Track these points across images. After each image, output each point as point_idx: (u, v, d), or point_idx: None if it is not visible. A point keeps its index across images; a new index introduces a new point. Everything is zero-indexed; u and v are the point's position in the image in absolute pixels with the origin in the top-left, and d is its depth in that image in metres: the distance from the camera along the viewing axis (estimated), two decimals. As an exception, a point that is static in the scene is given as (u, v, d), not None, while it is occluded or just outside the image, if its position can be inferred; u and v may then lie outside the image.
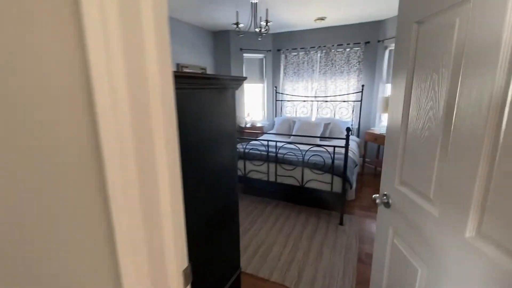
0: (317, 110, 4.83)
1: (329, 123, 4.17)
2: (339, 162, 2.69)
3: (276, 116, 5.21)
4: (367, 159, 4.51)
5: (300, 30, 4.76)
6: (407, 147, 0.99)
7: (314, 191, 2.75)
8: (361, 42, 4.32)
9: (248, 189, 3.59)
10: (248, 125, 4.99)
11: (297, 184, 2.83)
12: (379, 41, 4.26)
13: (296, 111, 5.02)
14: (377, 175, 4.22)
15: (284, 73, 5.03)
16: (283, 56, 4.97)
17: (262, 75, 5.27)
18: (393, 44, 4.28)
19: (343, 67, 4.51)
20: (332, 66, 4.58)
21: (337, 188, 2.65)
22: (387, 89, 4.35)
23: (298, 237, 2.51)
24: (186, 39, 4.24)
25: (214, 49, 4.95)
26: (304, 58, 4.78)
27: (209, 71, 4.85)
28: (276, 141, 2.91)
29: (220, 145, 1.37)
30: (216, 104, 1.30)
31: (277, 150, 2.89)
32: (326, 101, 4.72)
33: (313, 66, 4.75)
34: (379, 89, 4.40)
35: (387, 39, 4.10)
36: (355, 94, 4.51)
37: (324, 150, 2.74)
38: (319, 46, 4.62)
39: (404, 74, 0.98)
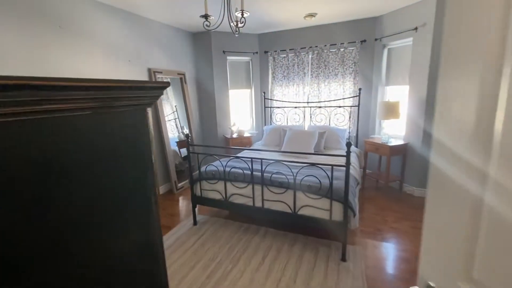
0: (310, 117, 4.36)
1: (324, 132, 3.69)
2: (339, 183, 2.19)
3: (265, 125, 4.72)
4: (368, 170, 4.04)
5: (289, 29, 4.32)
6: (491, 201, 0.49)
7: (309, 219, 2.25)
8: (356, 41, 3.89)
9: (232, 214, 3.06)
10: (234, 135, 4.49)
11: (289, 210, 2.32)
12: (376, 39, 3.83)
13: (287, 119, 4.54)
14: (379, 188, 3.74)
15: (273, 77, 4.56)
16: (271, 58, 4.50)
17: (249, 80, 4.79)
18: (393, 42, 3.83)
19: (338, 69, 4.06)
20: (325, 68, 4.13)
21: (337, 216, 2.15)
22: (387, 93, 3.91)
23: (291, 280, 1.99)
24: (161, 41, 3.75)
25: (194, 52, 4.47)
26: (294, 60, 4.33)
27: (189, 76, 4.35)
28: (262, 159, 2.40)
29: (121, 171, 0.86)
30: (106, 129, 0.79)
31: (263, 169, 2.39)
32: (320, 107, 4.25)
33: (304, 68, 4.30)
34: (378, 92, 3.96)
35: (385, 37, 3.67)
36: (351, 99, 4.05)
37: (320, 168, 2.25)
38: (310, 47, 4.17)
39: (481, 53, 0.50)
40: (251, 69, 4.72)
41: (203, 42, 4.37)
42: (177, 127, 4.34)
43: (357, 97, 3.93)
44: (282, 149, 3.53)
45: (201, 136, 4.74)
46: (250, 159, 2.44)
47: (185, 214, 3.21)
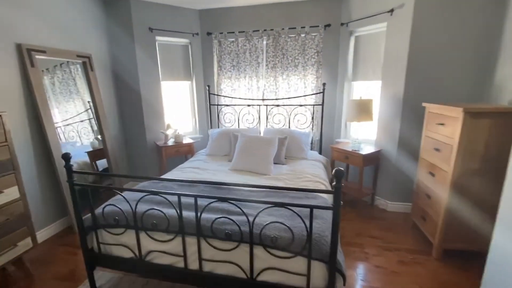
0: (267, 118, 3.55)
1: (285, 138, 2.91)
2: (320, 229, 1.40)
3: (211, 128, 3.75)
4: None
5: (239, 6, 3.40)
6: None
7: (274, 287, 1.41)
8: (319, 25, 3.18)
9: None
10: (170, 142, 3.41)
11: (243, 275, 1.45)
12: (342, 24, 3.18)
13: (238, 120, 3.65)
14: (349, 202, 3.15)
15: (219, 66, 3.60)
16: (216, 42, 3.52)
17: (189, 69, 3.74)
18: (362, 29, 3.00)
19: (298, 58, 3.32)
20: (284, 57, 3.35)
21: (318, 283, 1.36)
22: (354, 89, 3.32)
23: None
24: (50, 8, 2.44)
25: (106, 28, 3.21)
26: (245, 45, 3.44)
27: (99, 60, 3.09)
28: (196, 196, 1.45)
29: None
30: None
31: (199, 215, 1.45)
32: (278, 105, 3.47)
33: (258, 57, 3.45)
34: (343, 89, 3.35)
35: (353, 21, 3.04)
36: (314, 96, 3.37)
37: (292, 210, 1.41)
38: (265, 30, 3.33)
39: None
40: (191, 55, 3.67)
41: (120, 15, 3.15)
42: (93, 131, 3.08)
43: (321, 93, 3.25)
44: (232, 165, 2.63)
45: (123, 144, 3.53)
46: (177, 196, 1.47)
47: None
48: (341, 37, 3.24)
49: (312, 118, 3.39)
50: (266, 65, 3.43)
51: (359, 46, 3.14)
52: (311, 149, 3.43)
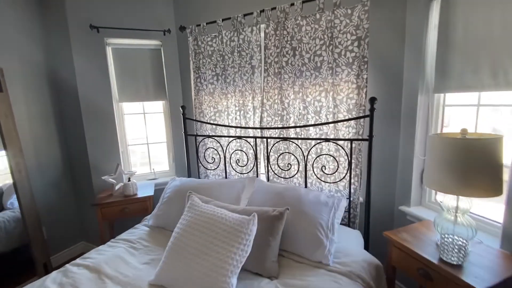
0: (267, 158, 2.06)
1: (283, 212, 1.38)
2: None
3: (189, 170, 2.44)
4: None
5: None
6: None
7: None
8: (362, -12, 1.62)
9: None
10: (115, 194, 2.23)
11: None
12: (413, -23, 1.55)
13: (225, 159, 2.26)
14: None
15: (198, 76, 2.33)
16: (191, 39, 2.28)
17: (162, 84, 2.57)
18: None
19: (321, 54, 1.79)
20: (295, 54, 1.87)
21: None
22: (444, 110, 1.60)
23: None
24: None
25: (38, 28, 2.29)
26: (233, 40, 2.09)
27: (19, 69, 2.15)
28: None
29: None
30: None
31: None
32: (285, 138, 1.96)
33: (252, 57, 2.05)
34: (417, 107, 1.65)
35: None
36: (354, 123, 1.75)
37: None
38: (262, 11, 1.93)
39: None
40: (164, 62, 2.51)
41: (54, 10, 2.21)
42: None
43: (367, 118, 1.62)
44: (156, 277, 1.25)
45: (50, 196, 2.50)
46: None
47: None
48: (410, 5, 1.60)
49: (350, 163, 1.76)
50: (266, 70, 2.00)
51: (455, 17, 1.43)
52: (348, 222, 1.80)
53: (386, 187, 1.84)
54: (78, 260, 1.48)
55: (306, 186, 1.91)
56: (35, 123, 2.25)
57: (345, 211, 1.75)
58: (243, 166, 2.20)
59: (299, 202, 1.53)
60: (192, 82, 2.34)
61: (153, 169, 2.67)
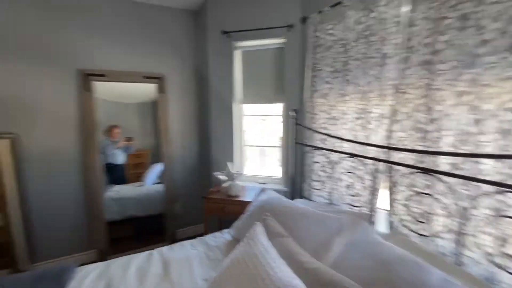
0: (390, 193, 1.35)
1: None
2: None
3: (294, 183, 2.12)
4: None
5: None
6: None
7: None
8: None
9: None
10: (232, 193, 2.30)
11: None
12: None
13: (332, 180, 1.74)
14: None
15: (314, 74, 1.92)
16: (311, 31, 1.89)
17: (281, 85, 2.39)
18: None
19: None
20: (465, 27, 1.05)
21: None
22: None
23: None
24: (116, 25, 2.39)
25: (188, 42, 2.72)
26: (361, 21, 1.52)
27: (173, 80, 2.66)
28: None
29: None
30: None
31: None
32: (430, 170, 1.18)
33: (384, 41, 1.39)
34: None
35: None
36: None
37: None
38: (411, -35, 1.23)
39: None
40: (285, 62, 2.30)
41: (199, 22, 2.55)
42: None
43: None
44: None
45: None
46: None
47: None
48: None
49: None
50: (406, 58, 1.28)
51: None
52: None
53: None
54: (164, 249, 1.59)
55: (459, 261, 1.06)
56: (182, 120, 2.75)
57: None
58: (353, 196, 1.59)
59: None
60: (307, 81, 1.97)
61: (264, 173, 2.57)
